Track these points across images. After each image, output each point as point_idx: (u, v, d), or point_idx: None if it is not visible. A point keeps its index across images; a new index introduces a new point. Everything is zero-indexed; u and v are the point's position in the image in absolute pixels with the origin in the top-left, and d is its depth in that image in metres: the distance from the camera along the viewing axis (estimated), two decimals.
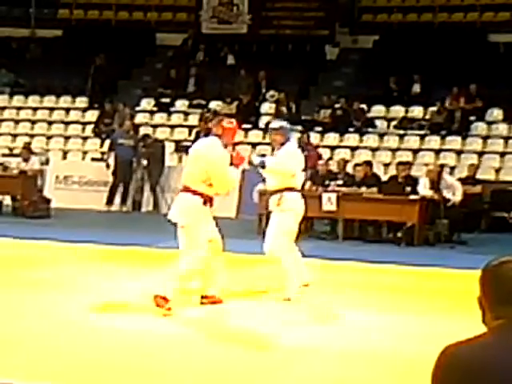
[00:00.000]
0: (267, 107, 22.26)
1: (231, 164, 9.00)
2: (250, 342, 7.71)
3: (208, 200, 8.89)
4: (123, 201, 19.80)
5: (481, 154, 19.76)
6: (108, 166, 20.05)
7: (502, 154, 19.71)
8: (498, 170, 19.27)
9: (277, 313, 9.08)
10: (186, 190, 8.95)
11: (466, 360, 2.38)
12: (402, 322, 8.78)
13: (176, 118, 22.79)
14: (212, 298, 9.26)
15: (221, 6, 24.94)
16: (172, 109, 23.00)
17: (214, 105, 22.42)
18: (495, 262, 2.52)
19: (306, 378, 6.66)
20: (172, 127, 22.45)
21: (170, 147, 21.02)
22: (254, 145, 21.20)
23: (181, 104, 23.04)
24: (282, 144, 9.72)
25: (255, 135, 21.52)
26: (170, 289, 8.60)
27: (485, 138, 20.12)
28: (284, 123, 10.13)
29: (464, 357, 2.39)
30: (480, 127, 20.37)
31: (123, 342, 7.57)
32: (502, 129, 20.29)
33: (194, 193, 8.83)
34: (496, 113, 20.56)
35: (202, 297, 9.26)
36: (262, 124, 21.66)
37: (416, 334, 8.33)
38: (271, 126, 10.26)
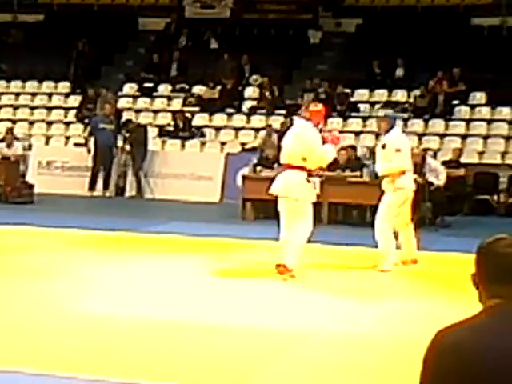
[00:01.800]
0: (251, 91, 22.20)
1: (324, 143, 10.04)
2: (250, 327, 7.71)
3: (308, 175, 9.98)
4: (105, 186, 19.70)
5: (464, 137, 19.79)
6: (89, 151, 19.97)
7: (485, 138, 19.75)
8: (481, 153, 19.32)
9: (273, 297, 9.10)
10: (289, 167, 9.96)
11: (458, 344, 2.33)
12: (389, 306, 8.80)
13: (159, 103, 22.69)
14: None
15: None
16: (155, 93, 22.90)
17: (198, 89, 22.37)
18: (490, 239, 2.47)
19: (304, 363, 6.67)
20: (155, 112, 22.37)
21: (153, 132, 20.95)
22: (237, 129, 21.16)
23: (164, 88, 22.94)
24: (387, 131, 10.94)
25: (239, 120, 21.45)
26: (289, 260, 9.77)
27: (468, 122, 20.16)
28: (389, 112, 11.28)
29: (456, 341, 2.34)
30: (463, 111, 20.39)
31: (111, 328, 7.55)
32: (485, 112, 20.32)
33: (301, 169, 9.88)
34: (479, 96, 20.58)
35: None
36: (245, 108, 21.61)
37: (402, 316, 8.36)
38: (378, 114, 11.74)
